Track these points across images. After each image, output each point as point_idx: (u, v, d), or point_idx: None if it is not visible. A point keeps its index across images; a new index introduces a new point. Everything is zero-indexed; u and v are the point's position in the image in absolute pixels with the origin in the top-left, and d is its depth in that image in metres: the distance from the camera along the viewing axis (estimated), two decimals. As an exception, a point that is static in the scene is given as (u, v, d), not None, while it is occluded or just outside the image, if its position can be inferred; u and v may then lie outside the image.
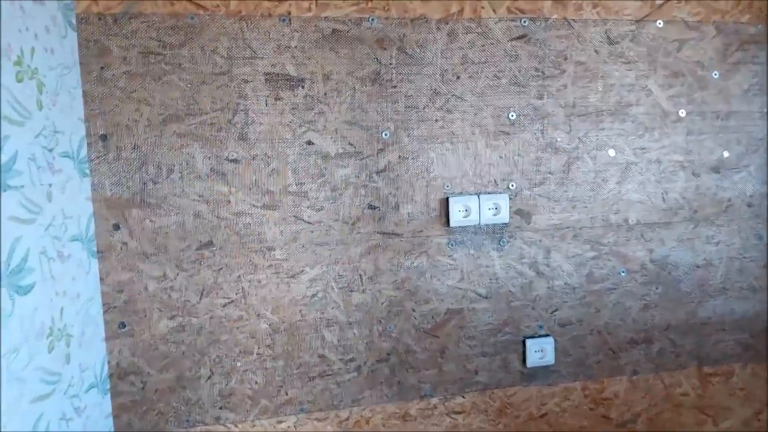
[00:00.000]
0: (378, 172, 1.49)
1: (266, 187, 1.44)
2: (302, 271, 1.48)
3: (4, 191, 0.84)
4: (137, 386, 1.39)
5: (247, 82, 1.40)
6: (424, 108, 1.51)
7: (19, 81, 0.91)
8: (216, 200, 1.41)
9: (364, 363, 1.52)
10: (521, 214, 1.59)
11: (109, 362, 1.36)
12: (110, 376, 1.37)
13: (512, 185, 1.58)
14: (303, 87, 1.43)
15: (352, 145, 1.47)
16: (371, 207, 1.50)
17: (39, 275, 0.95)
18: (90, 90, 1.32)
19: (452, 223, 1.54)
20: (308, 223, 1.47)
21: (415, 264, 1.55)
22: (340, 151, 1.47)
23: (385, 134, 1.49)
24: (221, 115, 1.39)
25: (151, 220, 1.37)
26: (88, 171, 1.29)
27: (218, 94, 1.38)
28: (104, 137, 1.33)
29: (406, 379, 1.55)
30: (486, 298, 1.59)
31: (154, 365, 1.40)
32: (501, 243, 1.59)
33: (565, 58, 1.56)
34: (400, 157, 1.51)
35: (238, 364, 1.45)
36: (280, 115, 1.42)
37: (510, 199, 1.58)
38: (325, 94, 1.44)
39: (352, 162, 1.48)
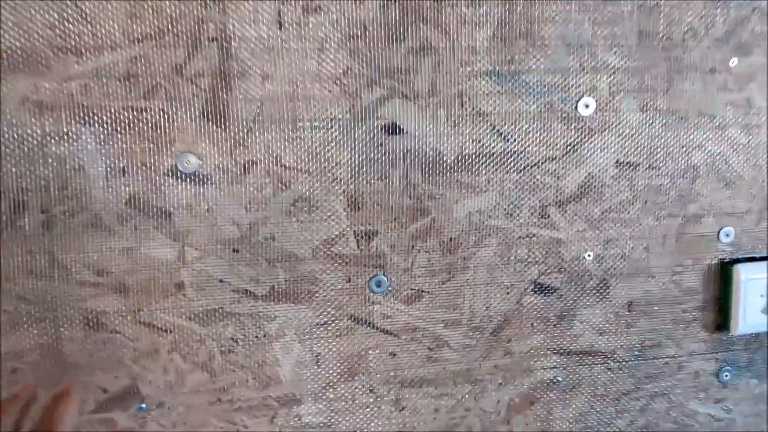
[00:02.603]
0: (561, 203, 0.59)
1: (280, 250, 0.55)
2: (371, 449, 0.58)
3: None
4: None
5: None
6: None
7: None
8: (141, 289, 0.52)
9: None
10: None
11: None
12: None
13: None
14: (381, -25, 0.53)
15: (494, 137, 0.57)
16: (540, 289, 0.60)
17: None
18: None
19: (739, 328, 0.63)
20: (384, 332, 0.58)
21: (640, 422, 0.65)
22: (473, 150, 0.57)
23: (587, 107, 0.59)
24: (157, 51, 0.50)
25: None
26: None
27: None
28: None
29: None
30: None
31: None
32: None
33: None
34: (618, 162, 0.60)
35: None
36: (303, 40, 0.53)
37: None
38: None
39: (495, 174, 0.58)
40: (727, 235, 0.63)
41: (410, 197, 0.55)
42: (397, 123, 0.54)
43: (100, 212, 0.50)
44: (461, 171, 0.56)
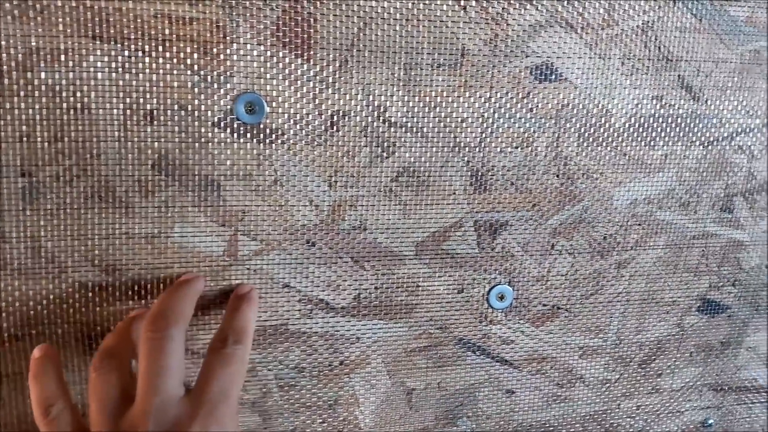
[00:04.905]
0: (750, 192, 0.46)
1: (373, 244, 0.41)
2: None
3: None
4: None
5: None
6: None
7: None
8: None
9: None
10: None
11: None
12: None
13: None
14: None
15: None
16: (708, 307, 0.48)
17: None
18: None
19: None
20: (503, 362, 0.45)
21: (804, 481, 0.54)
22: (652, 111, 0.43)
23: None
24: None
25: None
26: None
27: None
28: None
29: None
30: None
31: None
32: None
33: None
34: None
35: None
36: None
37: None
38: None
39: (675, 146, 0.44)
40: None
41: (558, 175, 0.41)
42: (554, 64, 0.39)
43: (113, 178, 0.35)
44: (632, 140, 0.42)
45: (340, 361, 0.41)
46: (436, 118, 0.38)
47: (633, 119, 0.41)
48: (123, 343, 0.32)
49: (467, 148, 0.39)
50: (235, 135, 0.36)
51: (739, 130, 0.44)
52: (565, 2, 0.38)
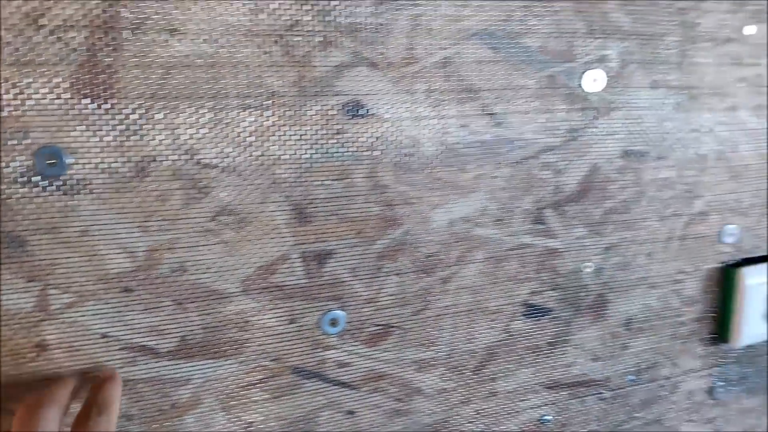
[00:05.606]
0: (559, 204, 0.52)
1: (195, 285, 0.42)
2: None
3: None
4: None
5: None
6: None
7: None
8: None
9: None
10: None
11: None
12: None
13: None
14: None
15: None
16: (532, 312, 0.53)
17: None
18: None
19: (743, 338, 0.60)
20: (340, 385, 0.48)
21: (634, 461, 0.60)
22: (459, 138, 0.47)
23: (595, 82, 0.51)
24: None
25: None
26: None
27: None
28: None
29: None
30: None
31: None
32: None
33: None
34: (626, 152, 0.53)
35: None
36: None
37: None
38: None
39: (484, 168, 0.48)
40: (733, 233, 0.59)
41: (377, 203, 0.44)
42: (362, 101, 0.42)
43: None
44: (443, 166, 0.46)
45: (171, 404, 0.42)
46: (251, 157, 0.40)
47: (443, 146, 0.45)
48: None
49: (286, 184, 0.42)
50: (38, 189, 0.36)
51: (544, 148, 0.49)
52: (367, 43, 0.41)
